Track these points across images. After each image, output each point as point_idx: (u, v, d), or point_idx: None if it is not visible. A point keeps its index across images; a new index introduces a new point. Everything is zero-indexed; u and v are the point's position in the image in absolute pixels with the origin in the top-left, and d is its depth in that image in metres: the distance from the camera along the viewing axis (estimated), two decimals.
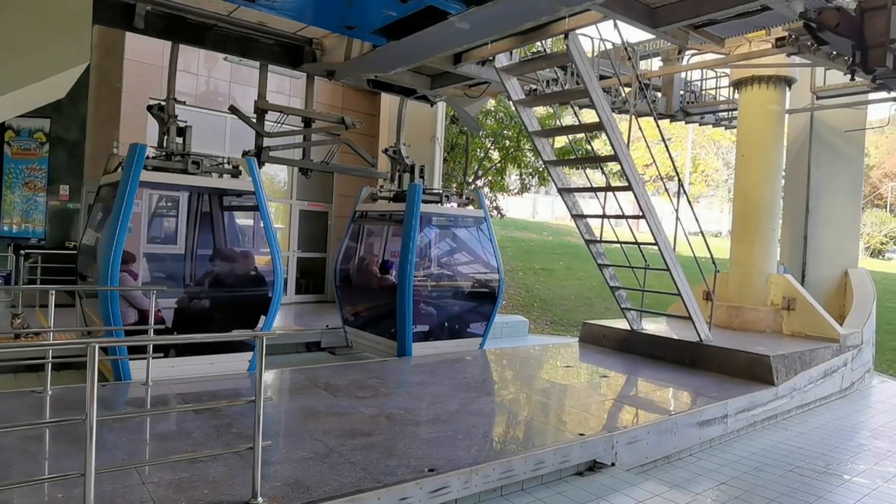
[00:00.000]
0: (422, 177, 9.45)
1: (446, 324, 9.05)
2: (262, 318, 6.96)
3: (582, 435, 5.10)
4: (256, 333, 3.56)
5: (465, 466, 4.20)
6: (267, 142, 9.21)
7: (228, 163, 7.40)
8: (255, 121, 9.04)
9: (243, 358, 6.91)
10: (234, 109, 8.99)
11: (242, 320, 7.08)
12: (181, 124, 7.32)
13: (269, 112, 9.20)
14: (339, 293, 9.82)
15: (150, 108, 7.58)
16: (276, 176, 14.45)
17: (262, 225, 7.13)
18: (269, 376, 6.61)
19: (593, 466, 5.01)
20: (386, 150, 9.95)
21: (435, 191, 9.20)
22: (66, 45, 4.05)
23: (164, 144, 7.22)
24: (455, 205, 9.48)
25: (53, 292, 5.26)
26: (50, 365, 5.29)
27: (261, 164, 9.11)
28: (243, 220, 8.03)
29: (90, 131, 13.22)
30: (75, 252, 12.26)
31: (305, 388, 6.14)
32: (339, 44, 7.88)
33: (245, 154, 9.20)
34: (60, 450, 4.21)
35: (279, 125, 9.26)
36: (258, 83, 8.98)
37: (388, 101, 13.19)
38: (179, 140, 7.26)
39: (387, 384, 6.45)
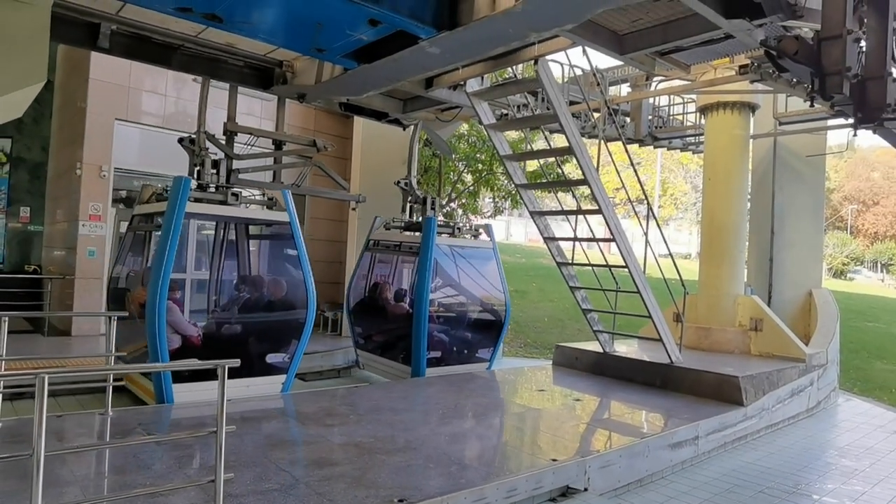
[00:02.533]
0: (433, 208, 9.76)
1: (455, 349, 9.46)
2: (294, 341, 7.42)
3: (555, 461, 5.04)
4: (218, 362, 3.44)
5: (435, 496, 4.10)
6: (236, 164, 9.09)
7: (263, 195, 7.76)
8: (223, 143, 8.92)
9: (278, 380, 7.31)
10: None
11: (276, 344, 7.56)
12: (213, 157, 7.64)
13: (238, 134, 9.10)
14: (353, 318, 10.19)
15: (181, 140, 7.85)
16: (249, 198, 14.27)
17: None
18: (235, 405, 6.42)
19: (566, 492, 4.95)
20: (398, 182, 10.26)
21: (448, 223, 9.63)
22: (23, 63, 3.93)
23: (196, 176, 7.51)
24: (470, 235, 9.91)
25: (6, 319, 5.05)
26: (1, 396, 5.07)
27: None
28: (270, 247, 8.58)
29: (53, 151, 12.96)
30: (35, 276, 11.92)
31: (272, 416, 5.98)
32: (309, 66, 7.84)
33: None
34: (8, 486, 4.00)
35: (249, 147, 9.16)
36: (227, 105, 8.88)
37: (360, 125, 13.17)
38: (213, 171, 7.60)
39: (357, 411, 6.32)
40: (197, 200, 7.04)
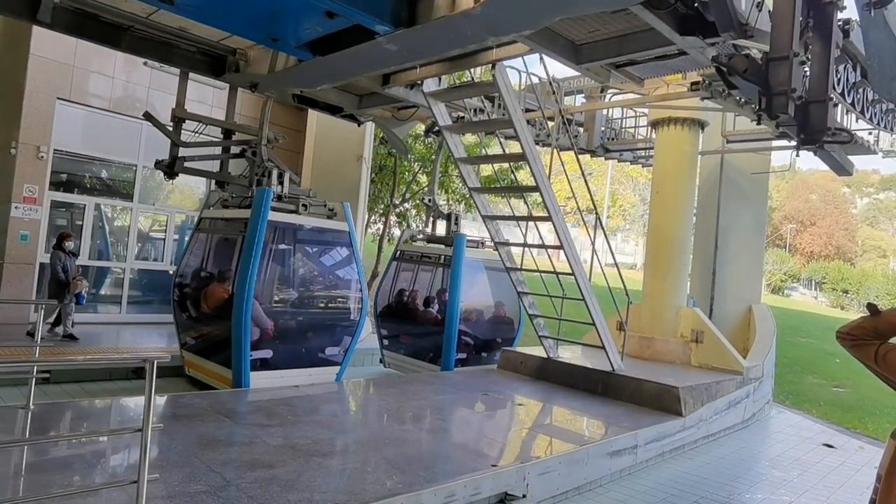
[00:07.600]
0: (457, 224, 10.69)
1: (475, 351, 10.56)
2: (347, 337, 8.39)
3: (494, 466, 5.02)
4: (147, 356, 3.27)
5: (371, 501, 4.02)
6: (183, 151, 8.81)
7: (325, 205, 8.42)
8: (171, 129, 8.64)
9: (334, 370, 8.25)
10: (149, 116, 8.58)
11: (332, 339, 8.43)
12: (278, 171, 7.98)
13: (187, 121, 8.83)
14: (380, 321, 10.95)
15: (243, 152, 8.41)
16: (195, 187, 13.87)
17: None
18: (164, 400, 6.18)
19: (504, 499, 4.93)
20: (422, 199, 11.29)
21: (474, 238, 10.63)
22: None
23: (253, 185, 8.07)
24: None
25: None
26: None
27: (174, 175, 8.74)
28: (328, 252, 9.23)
29: None
30: None
31: (206, 414, 5.77)
32: (263, 56, 7.65)
33: (158, 163, 8.77)
34: None
35: (197, 135, 8.89)
36: (177, 91, 8.60)
37: (314, 118, 12.96)
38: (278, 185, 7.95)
39: (295, 412, 6.17)
40: (273, 210, 7.54)
